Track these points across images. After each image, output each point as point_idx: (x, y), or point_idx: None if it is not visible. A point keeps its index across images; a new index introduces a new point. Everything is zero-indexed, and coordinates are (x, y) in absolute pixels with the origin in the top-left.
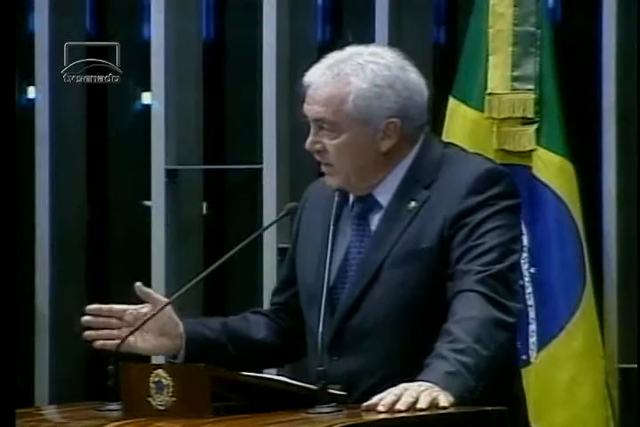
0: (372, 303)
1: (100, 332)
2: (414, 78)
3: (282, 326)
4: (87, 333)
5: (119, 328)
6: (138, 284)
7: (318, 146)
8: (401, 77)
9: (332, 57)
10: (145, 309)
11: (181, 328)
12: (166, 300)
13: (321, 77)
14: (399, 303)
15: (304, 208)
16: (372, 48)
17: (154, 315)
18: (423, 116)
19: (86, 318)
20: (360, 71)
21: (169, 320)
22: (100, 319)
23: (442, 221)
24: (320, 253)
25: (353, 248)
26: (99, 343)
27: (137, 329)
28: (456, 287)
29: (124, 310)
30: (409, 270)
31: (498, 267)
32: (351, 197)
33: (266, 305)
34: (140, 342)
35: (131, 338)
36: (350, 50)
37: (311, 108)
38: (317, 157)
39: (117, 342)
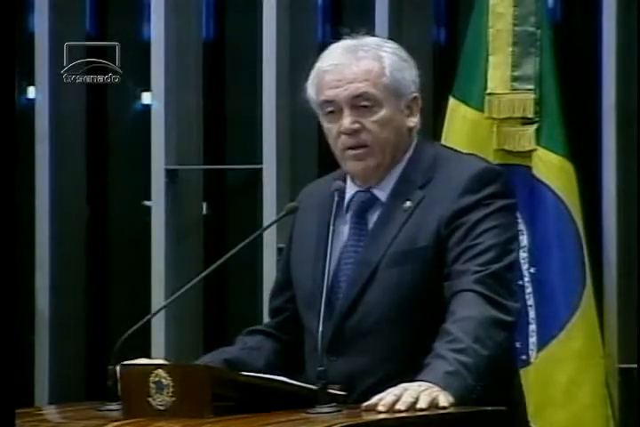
0: (369, 303)
1: None
2: None
3: (284, 340)
4: None
5: None
6: None
7: (357, 125)
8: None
9: (341, 45)
10: None
11: None
12: None
13: (346, 57)
14: (396, 303)
15: (297, 213)
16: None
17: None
18: None
19: None
20: (383, 48)
21: None
22: None
23: (437, 220)
24: (315, 255)
25: (350, 247)
26: None
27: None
28: (454, 287)
29: None
30: (405, 270)
31: (495, 266)
32: (346, 198)
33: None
34: None
35: None
36: (352, 40)
37: (347, 87)
38: (351, 140)
39: None
